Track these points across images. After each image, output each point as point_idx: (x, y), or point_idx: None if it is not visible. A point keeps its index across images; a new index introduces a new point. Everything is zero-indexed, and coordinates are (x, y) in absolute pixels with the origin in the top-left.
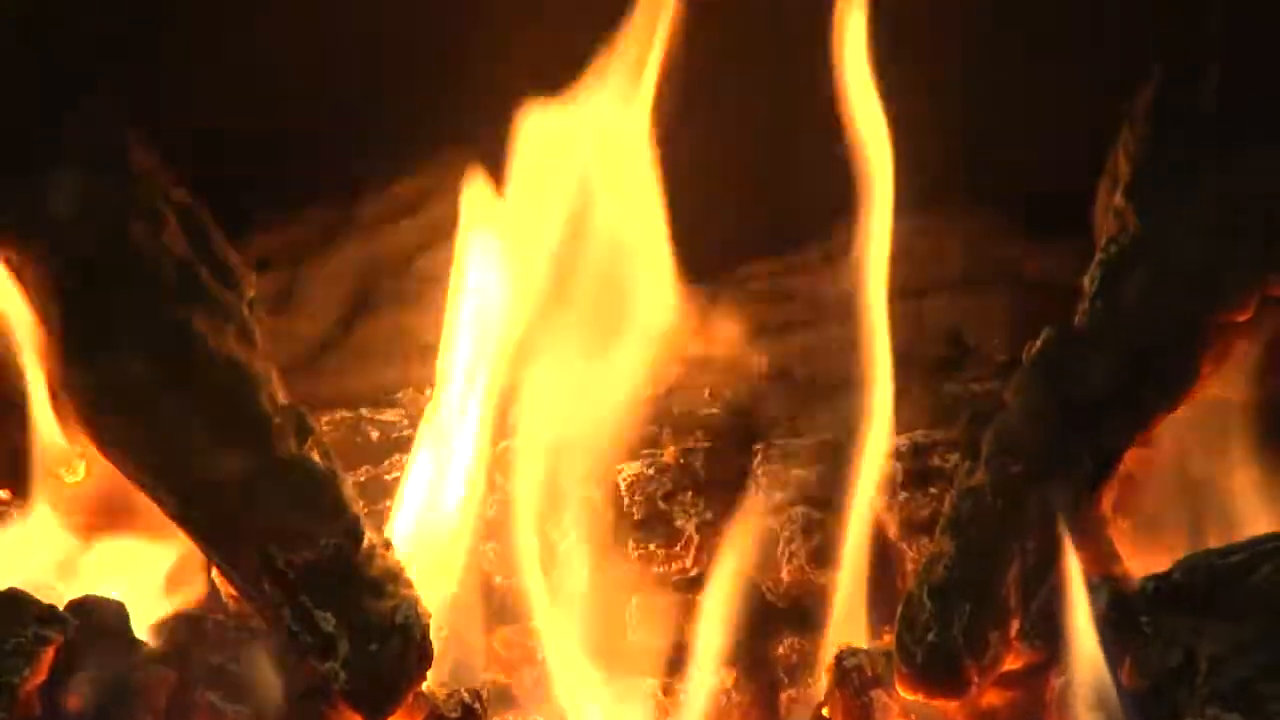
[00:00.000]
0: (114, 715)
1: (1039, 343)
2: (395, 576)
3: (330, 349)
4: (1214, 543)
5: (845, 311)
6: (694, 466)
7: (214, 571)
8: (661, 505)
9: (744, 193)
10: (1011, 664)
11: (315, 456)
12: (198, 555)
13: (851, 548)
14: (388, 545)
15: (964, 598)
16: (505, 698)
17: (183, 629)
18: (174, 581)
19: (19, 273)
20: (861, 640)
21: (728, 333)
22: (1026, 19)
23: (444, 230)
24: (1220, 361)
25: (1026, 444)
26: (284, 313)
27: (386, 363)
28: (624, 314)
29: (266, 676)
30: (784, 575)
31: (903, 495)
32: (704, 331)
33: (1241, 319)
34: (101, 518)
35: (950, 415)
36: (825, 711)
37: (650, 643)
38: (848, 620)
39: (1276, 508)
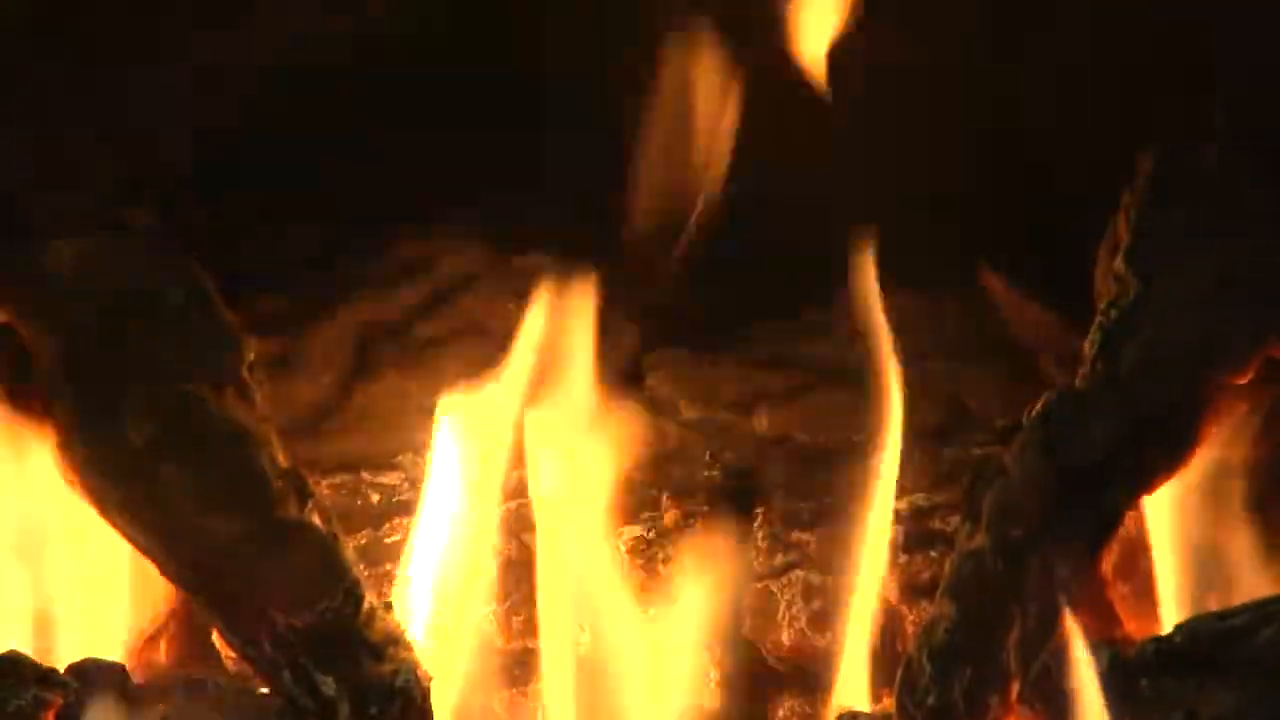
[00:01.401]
0: None
1: (1039, 406)
2: (396, 640)
3: (330, 412)
4: (1215, 605)
5: (847, 376)
6: (694, 530)
7: (214, 634)
8: (662, 569)
9: (746, 256)
10: None
11: (315, 520)
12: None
13: (852, 611)
14: (388, 608)
15: (964, 661)
16: None
17: (183, 692)
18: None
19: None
20: (862, 703)
21: (728, 396)
22: (1024, 82)
23: (444, 294)
24: (1221, 423)
25: (1027, 507)
26: (283, 376)
27: (386, 426)
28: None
29: None
30: (784, 639)
31: (903, 558)
32: (705, 395)
33: (1243, 381)
34: None
35: (950, 479)
36: None
37: (651, 707)
38: (848, 683)
39: (1278, 570)
